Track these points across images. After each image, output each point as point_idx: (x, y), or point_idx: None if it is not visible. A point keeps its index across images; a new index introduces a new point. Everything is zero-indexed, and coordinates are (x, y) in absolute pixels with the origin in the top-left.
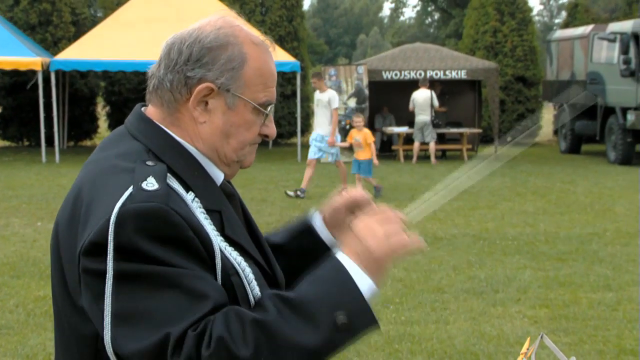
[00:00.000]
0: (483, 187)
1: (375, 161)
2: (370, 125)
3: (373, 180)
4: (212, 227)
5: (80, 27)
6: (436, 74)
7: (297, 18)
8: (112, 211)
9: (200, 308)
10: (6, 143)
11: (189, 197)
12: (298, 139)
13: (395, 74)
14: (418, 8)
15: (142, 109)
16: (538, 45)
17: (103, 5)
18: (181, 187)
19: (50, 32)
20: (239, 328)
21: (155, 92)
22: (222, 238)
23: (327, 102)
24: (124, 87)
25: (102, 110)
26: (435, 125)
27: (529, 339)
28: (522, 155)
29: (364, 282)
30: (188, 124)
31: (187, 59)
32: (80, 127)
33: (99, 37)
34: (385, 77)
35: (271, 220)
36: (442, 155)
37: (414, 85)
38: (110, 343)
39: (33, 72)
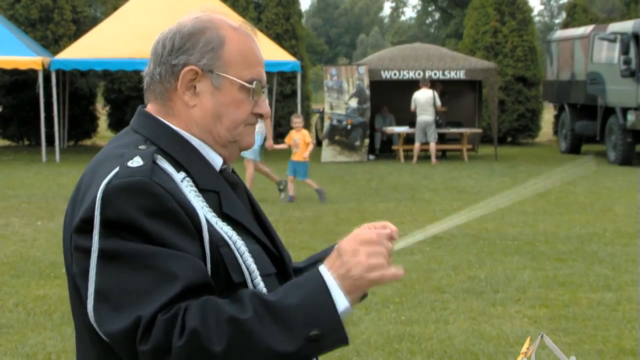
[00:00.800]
0: (483, 187)
1: (306, 155)
2: (371, 125)
3: (313, 184)
4: (204, 204)
5: (81, 25)
6: (435, 74)
7: (294, 16)
8: (99, 189)
9: (169, 290)
10: (6, 142)
11: (178, 176)
12: None
13: (394, 74)
14: (418, 8)
15: (142, 107)
16: (538, 46)
17: (103, 3)
18: (171, 167)
19: (51, 30)
20: (214, 323)
21: (149, 88)
22: (214, 214)
23: None
24: (124, 86)
25: (102, 110)
26: (436, 125)
27: (529, 338)
28: (522, 155)
29: (341, 301)
30: (181, 111)
31: (171, 49)
32: (81, 127)
33: (99, 36)
34: (384, 76)
35: (271, 219)
36: (442, 155)
37: (413, 85)
38: (93, 319)
39: (33, 71)
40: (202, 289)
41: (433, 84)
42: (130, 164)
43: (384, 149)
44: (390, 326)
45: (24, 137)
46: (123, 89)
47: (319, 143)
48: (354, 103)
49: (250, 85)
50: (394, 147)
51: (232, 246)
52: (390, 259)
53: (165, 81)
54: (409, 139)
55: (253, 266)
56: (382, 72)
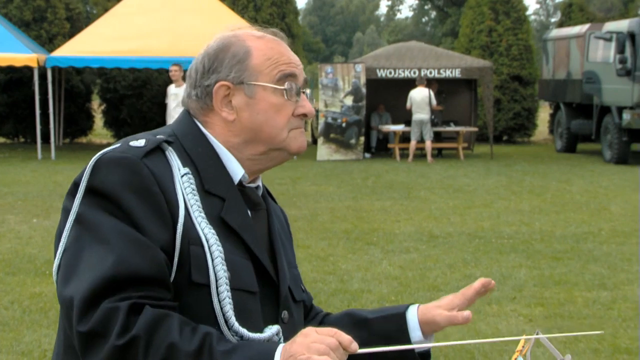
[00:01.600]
0: (479, 186)
1: None
2: (367, 123)
3: None
4: (198, 203)
5: (75, 23)
6: (431, 73)
7: (290, 15)
8: (95, 157)
9: (117, 274)
10: (2, 140)
11: (182, 170)
12: None
13: (390, 72)
14: (415, 6)
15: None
16: (534, 44)
17: (97, 2)
18: (178, 161)
19: (45, 29)
20: (158, 341)
21: (188, 106)
22: (204, 216)
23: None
24: (120, 84)
25: (97, 108)
26: (432, 123)
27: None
28: (518, 154)
29: None
30: (219, 125)
31: (203, 72)
32: (76, 124)
33: (95, 34)
34: (380, 75)
35: None
36: (438, 154)
37: (409, 83)
38: (54, 277)
39: (29, 69)
40: (151, 282)
41: (429, 83)
42: (132, 143)
43: (380, 147)
44: None
45: (19, 135)
46: (118, 88)
47: (314, 141)
48: (349, 101)
49: (282, 87)
50: (389, 146)
51: (206, 248)
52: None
53: (202, 101)
54: (405, 138)
55: (222, 273)
56: (378, 70)
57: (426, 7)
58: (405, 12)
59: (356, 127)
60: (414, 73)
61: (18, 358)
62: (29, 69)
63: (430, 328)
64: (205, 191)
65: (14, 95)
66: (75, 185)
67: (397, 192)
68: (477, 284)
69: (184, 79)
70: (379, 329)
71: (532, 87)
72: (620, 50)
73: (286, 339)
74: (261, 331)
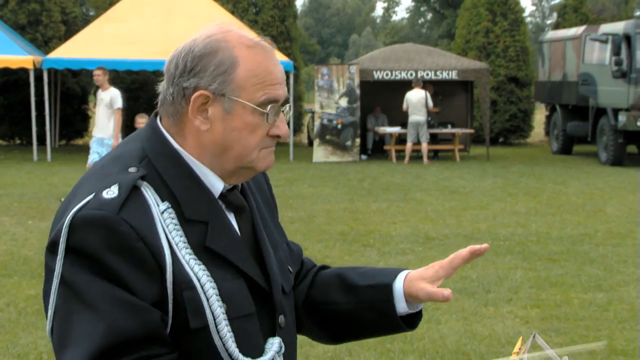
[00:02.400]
0: (475, 188)
1: None
2: (363, 125)
3: None
4: (182, 238)
5: (71, 26)
6: (427, 74)
7: (290, 18)
8: (68, 216)
9: (109, 341)
10: None
11: (159, 207)
12: (290, 139)
13: (387, 74)
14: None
15: (155, 118)
16: (530, 46)
17: (95, 5)
18: (155, 196)
19: (40, 32)
20: None
21: (162, 107)
22: (190, 250)
23: (109, 101)
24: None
25: (93, 109)
26: (428, 125)
27: (521, 338)
28: (514, 155)
29: None
30: (191, 134)
31: (183, 70)
32: (72, 126)
33: (92, 36)
34: (376, 77)
35: None
36: (434, 156)
37: (405, 85)
38: (49, 335)
39: (24, 71)
40: (146, 342)
41: (425, 85)
42: (104, 194)
43: (376, 149)
44: None
45: (15, 137)
46: None
47: (310, 143)
48: (344, 102)
49: (264, 110)
50: (386, 147)
51: (199, 289)
52: None
53: (177, 103)
54: (402, 139)
55: (219, 311)
56: (374, 72)
57: (422, 8)
58: (401, 13)
59: (352, 128)
60: (411, 75)
61: None
62: (24, 71)
63: (414, 300)
64: (187, 220)
65: (9, 97)
66: (54, 243)
67: (394, 193)
68: (465, 252)
69: (109, 82)
70: (367, 297)
71: (528, 89)
72: (616, 52)
73: (285, 343)
74: (262, 351)
